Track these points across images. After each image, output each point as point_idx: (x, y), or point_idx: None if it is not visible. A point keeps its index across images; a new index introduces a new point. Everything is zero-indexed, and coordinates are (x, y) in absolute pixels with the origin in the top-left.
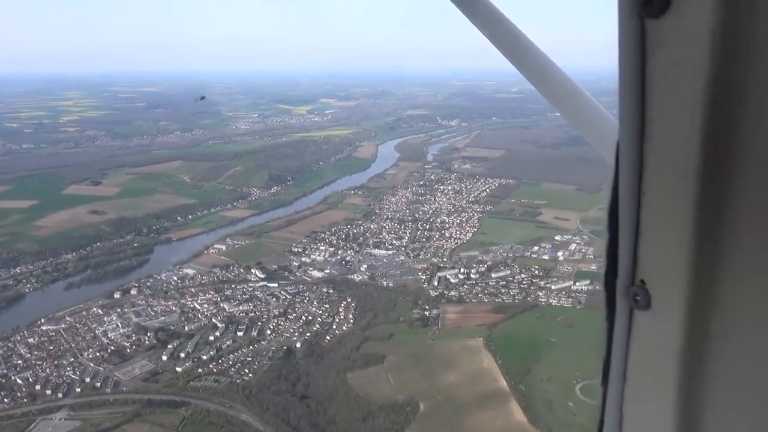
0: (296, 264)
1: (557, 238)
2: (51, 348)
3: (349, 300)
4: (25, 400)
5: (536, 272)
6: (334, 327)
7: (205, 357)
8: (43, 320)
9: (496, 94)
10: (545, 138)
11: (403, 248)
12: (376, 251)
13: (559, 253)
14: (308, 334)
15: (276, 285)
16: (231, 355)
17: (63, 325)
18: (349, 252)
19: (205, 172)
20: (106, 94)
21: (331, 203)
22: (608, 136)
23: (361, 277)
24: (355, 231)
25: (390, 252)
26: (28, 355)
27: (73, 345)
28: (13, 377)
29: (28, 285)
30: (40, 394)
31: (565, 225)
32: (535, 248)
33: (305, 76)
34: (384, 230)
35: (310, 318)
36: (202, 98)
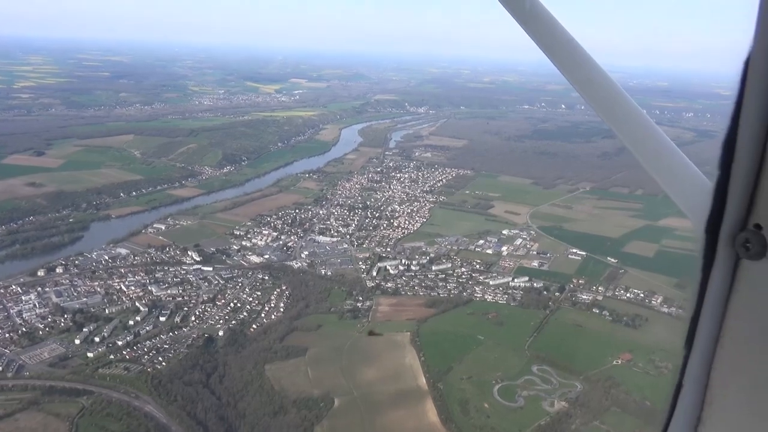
0: (236, 248)
1: (504, 232)
2: None
3: (284, 288)
4: None
5: (477, 266)
6: (263, 315)
7: (120, 343)
8: None
9: (468, 83)
10: (510, 130)
11: (348, 236)
12: (321, 238)
13: (504, 248)
14: (234, 321)
15: (211, 269)
16: (148, 342)
17: None
18: (292, 237)
19: (157, 147)
20: (70, 62)
21: (283, 186)
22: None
23: (300, 264)
24: (302, 216)
25: (334, 239)
26: None
27: None
28: None
29: None
30: None
31: (514, 219)
32: (481, 242)
33: (280, 54)
34: (332, 216)
35: (238, 305)
36: None
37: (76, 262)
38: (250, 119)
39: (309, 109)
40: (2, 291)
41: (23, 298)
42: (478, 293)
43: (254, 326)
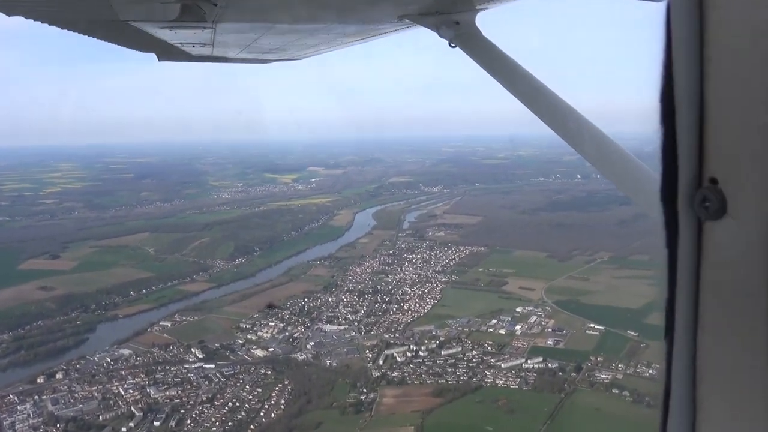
0: (240, 342)
1: (518, 309)
2: None
3: (286, 383)
4: None
5: (488, 348)
6: (262, 415)
7: None
8: None
9: (483, 160)
10: (525, 203)
11: (356, 323)
12: (328, 327)
13: (517, 327)
14: (230, 423)
15: (213, 366)
16: None
17: None
18: (299, 328)
19: (170, 243)
20: (97, 166)
21: (294, 275)
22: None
23: (305, 356)
24: (311, 305)
25: (341, 327)
26: None
27: None
28: None
29: None
30: None
31: (529, 295)
32: (493, 321)
33: (299, 145)
34: (341, 303)
35: (237, 405)
36: None
37: (77, 366)
38: (265, 209)
39: (324, 195)
40: (0, 401)
41: (18, 408)
42: (488, 378)
43: (251, 427)
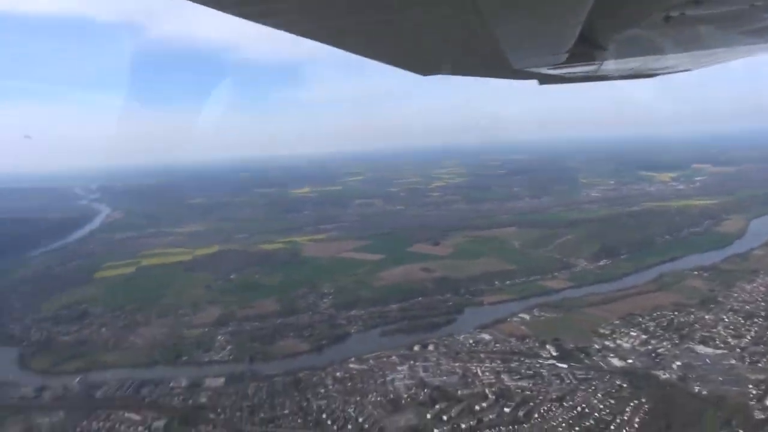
0: (597, 347)
1: None
2: (348, 384)
3: (643, 400)
4: (310, 424)
5: None
6: (612, 428)
7: (463, 426)
8: (353, 359)
9: None
10: None
11: (739, 349)
12: (701, 348)
13: None
14: (576, 428)
15: (565, 366)
16: (487, 431)
17: (365, 366)
18: (664, 343)
19: (535, 239)
20: (476, 163)
21: (664, 284)
22: None
23: (668, 376)
24: (681, 320)
25: (719, 352)
26: (331, 387)
27: (364, 386)
28: (312, 402)
29: (355, 327)
30: (323, 422)
31: None
32: None
33: (681, 139)
34: (720, 324)
35: (586, 410)
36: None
37: (446, 342)
38: (637, 210)
39: (709, 197)
40: (385, 359)
41: (398, 368)
42: None
43: None
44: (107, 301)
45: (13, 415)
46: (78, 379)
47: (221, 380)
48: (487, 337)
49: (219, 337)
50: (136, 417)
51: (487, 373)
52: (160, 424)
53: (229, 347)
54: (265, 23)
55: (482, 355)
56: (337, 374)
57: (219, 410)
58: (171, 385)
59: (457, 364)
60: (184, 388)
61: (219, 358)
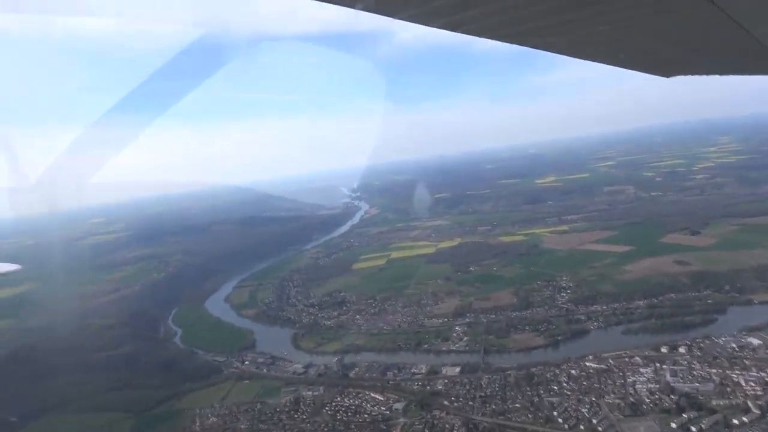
0: None
1: None
2: (584, 384)
3: None
4: (540, 420)
5: None
6: None
7: None
8: (590, 357)
9: None
10: None
11: None
12: None
13: None
14: None
15: None
16: None
17: (603, 366)
18: None
19: None
20: (756, 138)
21: None
22: None
23: None
24: None
25: None
26: (564, 384)
27: (601, 386)
28: (544, 398)
29: (595, 323)
30: (553, 420)
31: None
32: None
33: None
34: None
35: None
36: None
37: (701, 345)
38: None
39: None
40: (627, 360)
41: (641, 369)
42: None
43: None
44: (362, 290)
45: (286, 386)
46: (336, 359)
47: (457, 369)
48: (755, 341)
49: (456, 327)
50: (380, 397)
51: (752, 383)
52: (400, 405)
53: (465, 338)
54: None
55: (747, 362)
56: (572, 372)
57: (453, 398)
58: (412, 370)
59: (713, 371)
60: (423, 375)
61: (456, 348)
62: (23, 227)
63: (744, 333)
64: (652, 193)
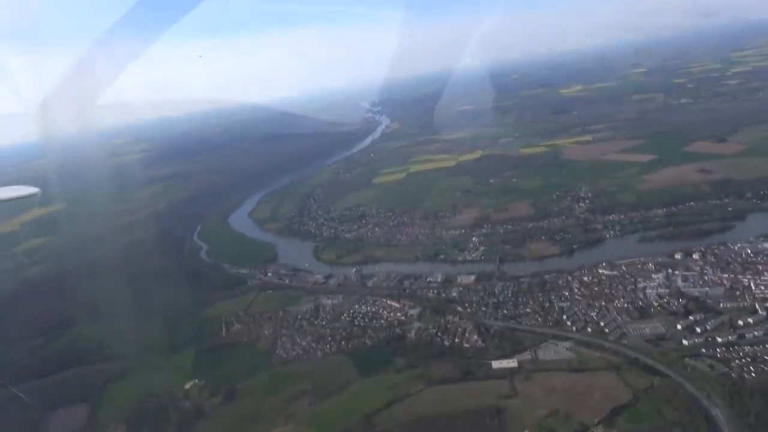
0: None
1: None
2: (595, 289)
3: None
4: (549, 323)
5: None
6: None
7: (719, 339)
8: (603, 264)
9: None
10: None
11: None
12: None
13: None
14: None
15: None
16: (747, 347)
17: (615, 273)
18: None
19: None
20: None
21: None
22: None
23: None
24: None
25: None
26: (576, 290)
27: (611, 291)
28: (555, 303)
29: (611, 231)
30: (562, 323)
31: None
32: None
33: None
34: None
35: None
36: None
37: (715, 251)
38: None
39: None
40: (639, 266)
41: (652, 276)
42: None
43: None
44: (381, 204)
45: (307, 295)
46: (354, 270)
47: (472, 278)
48: None
49: (473, 238)
50: (395, 304)
51: (762, 287)
52: (414, 311)
53: (482, 248)
54: None
55: (760, 267)
56: (585, 278)
57: (466, 304)
58: (428, 279)
59: (725, 275)
60: (438, 283)
61: (472, 258)
62: (49, 149)
63: (761, 239)
64: (682, 101)
